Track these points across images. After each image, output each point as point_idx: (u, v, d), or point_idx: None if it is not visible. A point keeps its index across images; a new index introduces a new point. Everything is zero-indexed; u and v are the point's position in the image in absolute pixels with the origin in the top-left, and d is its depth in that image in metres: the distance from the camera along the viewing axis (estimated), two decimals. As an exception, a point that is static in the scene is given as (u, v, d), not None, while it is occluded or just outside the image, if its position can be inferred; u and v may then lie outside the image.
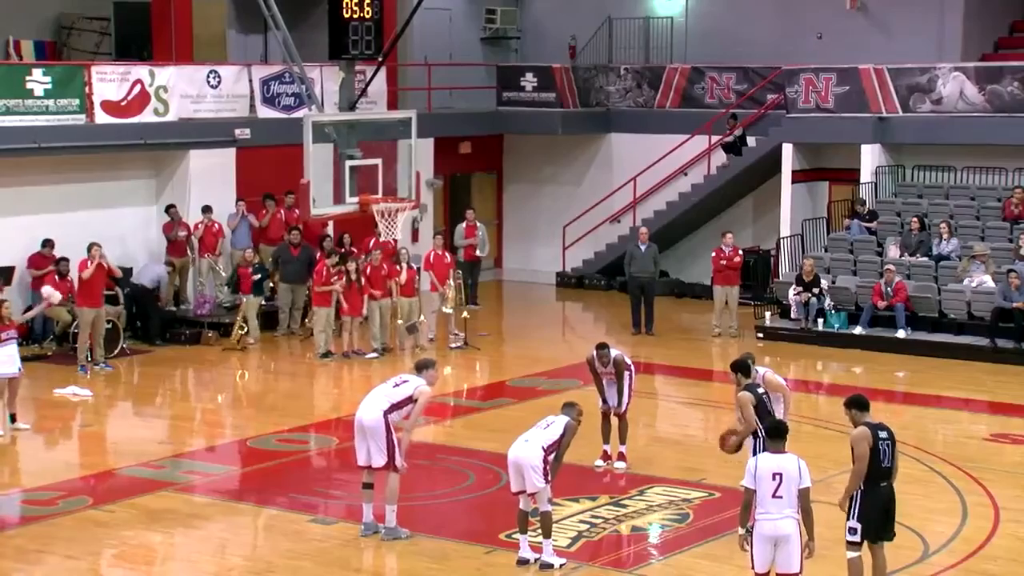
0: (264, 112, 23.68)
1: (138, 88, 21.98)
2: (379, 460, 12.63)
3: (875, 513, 10.79)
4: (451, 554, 12.50)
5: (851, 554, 10.91)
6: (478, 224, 25.27)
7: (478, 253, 25.07)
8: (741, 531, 10.65)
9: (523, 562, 12.12)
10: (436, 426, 17.22)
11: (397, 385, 12.85)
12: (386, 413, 12.61)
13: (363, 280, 20.93)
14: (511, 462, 12.09)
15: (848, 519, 10.88)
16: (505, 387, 19.51)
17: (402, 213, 19.55)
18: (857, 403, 11.15)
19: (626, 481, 14.74)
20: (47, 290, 18.33)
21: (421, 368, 13.11)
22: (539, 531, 12.11)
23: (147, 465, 15.40)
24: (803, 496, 10.41)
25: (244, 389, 19.90)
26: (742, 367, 12.75)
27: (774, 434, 10.76)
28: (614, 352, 14.85)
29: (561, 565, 12.09)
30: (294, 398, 18.97)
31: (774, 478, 10.38)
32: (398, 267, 21.25)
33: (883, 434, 10.87)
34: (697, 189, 26.73)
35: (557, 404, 13.14)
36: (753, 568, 10.56)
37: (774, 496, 10.34)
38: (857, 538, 10.86)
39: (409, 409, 12.75)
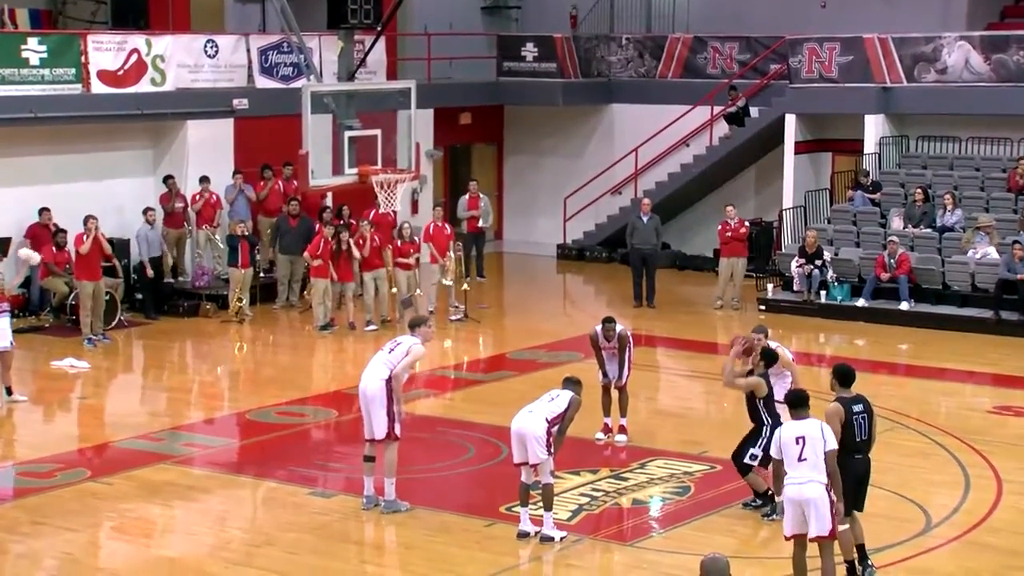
0: (262, 82, 23.52)
1: (135, 58, 21.81)
2: (381, 430, 12.54)
3: (849, 484, 10.78)
4: (451, 527, 12.43)
5: (840, 526, 10.87)
6: (481, 195, 25.11)
7: (481, 224, 24.93)
8: (779, 499, 10.76)
9: (523, 535, 12.06)
10: (436, 399, 17.13)
11: (392, 350, 12.73)
12: (387, 381, 12.52)
13: (354, 250, 20.83)
14: (514, 433, 12.02)
15: None
16: (505, 359, 19.42)
17: (401, 184, 19.38)
18: (840, 375, 11.15)
19: (627, 454, 14.67)
20: (24, 252, 18.17)
21: (415, 326, 13.01)
22: (540, 504, 12.04)
23: (145, 437, 15.33)
24: (829, 458, 10.46)
25: (243, 361, 19.81)
26: (768, 356, 12.62)
27: (798, 403, 10.81)
28: (619, 327, 14.74)
29: (562, 538, 12.03)
30: (293, 370, 18.87)
31: (797, 442, 10.49)
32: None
33: (857, 408, 10.93)
34: (699, 160, 26.58)
35: (557, 376, 13.06)
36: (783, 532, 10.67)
37: (800, 460, 10.44)
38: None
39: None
